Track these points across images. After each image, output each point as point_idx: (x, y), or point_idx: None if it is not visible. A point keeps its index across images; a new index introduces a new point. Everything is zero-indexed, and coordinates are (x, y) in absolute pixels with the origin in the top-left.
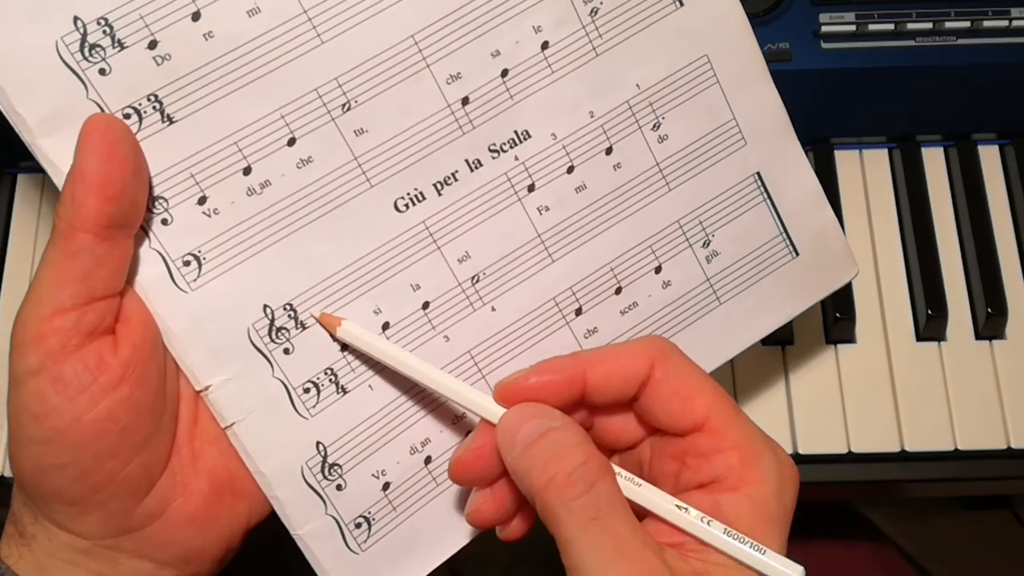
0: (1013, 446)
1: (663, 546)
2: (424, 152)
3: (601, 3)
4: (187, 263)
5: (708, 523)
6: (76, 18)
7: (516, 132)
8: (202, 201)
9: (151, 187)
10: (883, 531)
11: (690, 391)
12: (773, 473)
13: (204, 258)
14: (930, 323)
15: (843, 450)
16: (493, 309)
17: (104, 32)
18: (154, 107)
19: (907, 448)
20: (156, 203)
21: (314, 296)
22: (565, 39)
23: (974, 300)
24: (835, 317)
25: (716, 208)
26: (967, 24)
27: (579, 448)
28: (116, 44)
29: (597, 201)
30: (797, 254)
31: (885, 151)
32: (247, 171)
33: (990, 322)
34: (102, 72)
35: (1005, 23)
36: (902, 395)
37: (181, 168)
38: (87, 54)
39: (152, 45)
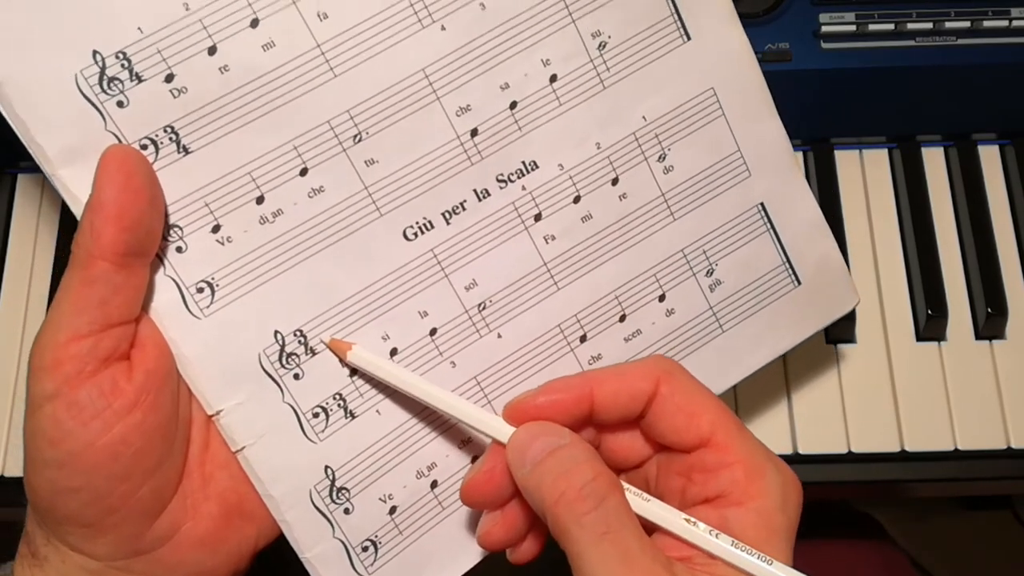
0: (1013, 446)
1: (672, 560)
2: (433, 182)
3: (609, 37)
4: (200, 290)
5: (716, 536)
6: (95, 52)
7: (524, 163)
8: (216, 229)
9: (166, 216)
10: (884, 530)
11: (695, 408)
12: (777, 487)
13: (217, 285)
14: (930, 323)
15: (843, 450)
16: (499, 336)
17: (122, 65)
18: (170, 138)
19: (907, 448)
20: (171, 231)
21: (324, 322)
22: (573, 72)
23: (974, 300)
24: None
25: (720, 238)
26: (967, 24)
27: (588, 464)
28: (134, 77)
29: (603, 231)
30: (799, 283)
31: (885, 151)
32: (260, 200)
33: (990, 322)
34: (120, 104)
35: (1005, 23)
36: (902, 395)
37: (196, 197)
38: (105, 87)
39: (169, 78)
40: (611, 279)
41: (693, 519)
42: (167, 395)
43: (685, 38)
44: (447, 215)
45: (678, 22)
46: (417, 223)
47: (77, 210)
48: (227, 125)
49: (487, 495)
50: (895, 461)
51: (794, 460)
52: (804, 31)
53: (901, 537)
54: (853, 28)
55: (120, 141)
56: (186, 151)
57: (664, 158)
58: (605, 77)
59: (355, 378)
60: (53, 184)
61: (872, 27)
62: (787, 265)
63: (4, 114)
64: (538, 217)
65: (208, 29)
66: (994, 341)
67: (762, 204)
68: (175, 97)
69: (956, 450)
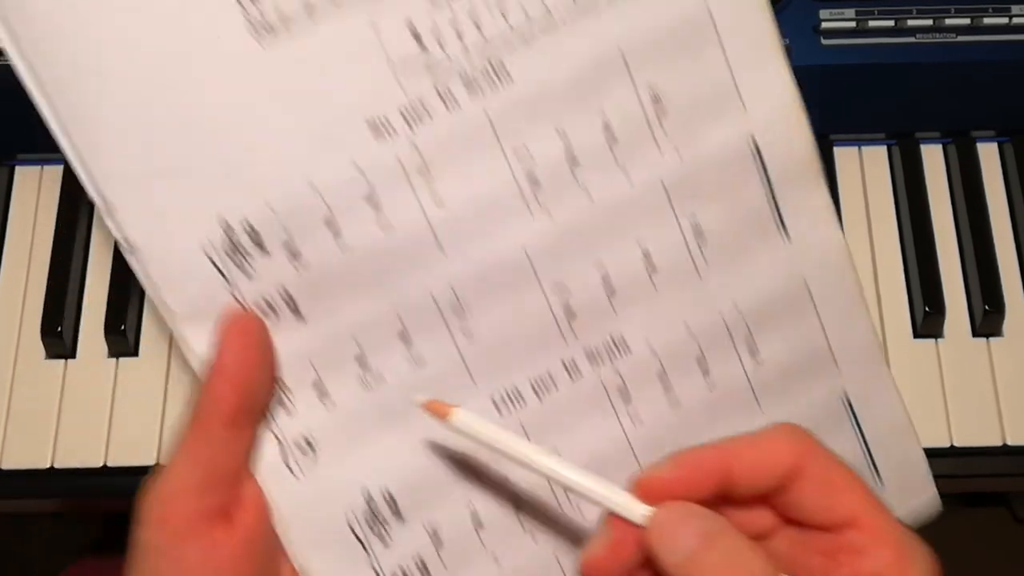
0: (1009, 443)
1: None
2: (527, 356)
3: (711, 232)
4: (301, 448)
5: None
6: (226, 222)
7: (615, 342)
8: (320, 390)
9: (276, 374)
10: None
11: (840, 483)
12: (927, 570)
13: (317, 444)
14: (927, 320)
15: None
16: (583, 515)
17: (249, 236)
18: (286, 302)
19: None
20: (280, 391)
21: (414, 489)
22: (671, 261)
23: (971, 297)
24: None
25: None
26: (967, 21)
27: (754, 554)
28: (259, 247)
29: (689, 416)
30: (881, 483)
31: (884, 148)
32: (364, 364)
33: (987, 319)
34: (244, 271)
35: (1005, 20)
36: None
37: (305, 360)
38: (232, 254)
39: (290, 248)
40: None
41: None
42: (265, 553)
43: (785, 239)
44: (537, 389)
45: (778, 222)
46: (508, 393)
47: (195, 365)
48: (340, 293)
49: (610, 572)
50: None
51: None
52: (804, 27)
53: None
54: (853, 24)
55: (240, 304)
56: (300, 315)
57: (754, 350)
58: (702, 268)
59: (439, 547)
60: (176, 338)
61: (872, 23)
62: (869, 462)
63: (137, 273)
64: (626, 398)
65: (331, 207)
66: (991, 338)
67: (847, 398)
68: (295, 267)
69: (952, 447)
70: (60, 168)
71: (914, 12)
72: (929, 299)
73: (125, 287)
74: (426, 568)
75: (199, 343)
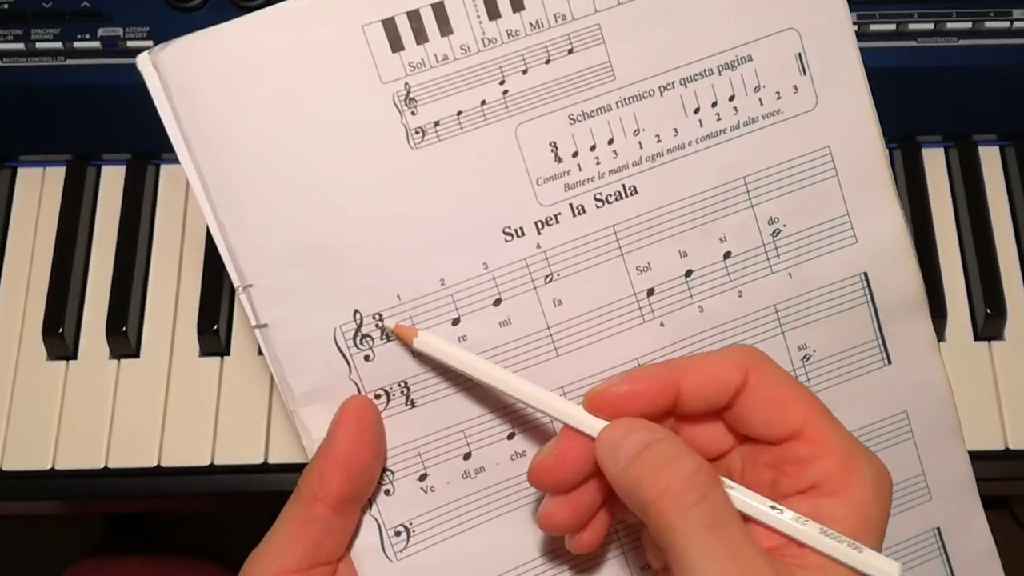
0: (1011, 447)
1: (767, 552)
2: None
3: (816, 354)
4: (398, 533)
5: (804, 523)
6: (356, 311)
7: None
8: (423, 478)
9: (385, 459)
10: None
11: (786, 398)
12: (871, 477)
13: (414, 531)
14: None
15: None
16: None
17: (376, 325)
18: (402, 391)
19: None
20: (384, 475)
21: None
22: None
23: (973, 301)
24: None
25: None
26: (968, 25)
27: (689, 457)
28: (384, 336)
29: None
30: None
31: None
32: (467, 456)
33: (989, 323)
34: (367, 358)
35: (1006, 24)
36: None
37: (412, 446)
38: (358, 342)
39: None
40: None
41: (779, 506)
42: None
43: (886, 361)
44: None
45: (881, 345)
46: None
47: (308, 446)
48: (453, 386)
49: (557, 479)
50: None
51: None
52: None
53: None
54: (855, 28)
55: (359, 389)
56: (413, 404)
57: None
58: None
59: None
60: (293, 419)
61: (874, 27)
62: None
63: (264, 350)
64: None
65: (456, 303)
66: (993, 342)
67: (938, 529)
68: (414, 357)
69: None
70: (62, 170)
71: (915, 16)
72: (931, 303)
73: (126, 289)
74: None
75: (316, 426)
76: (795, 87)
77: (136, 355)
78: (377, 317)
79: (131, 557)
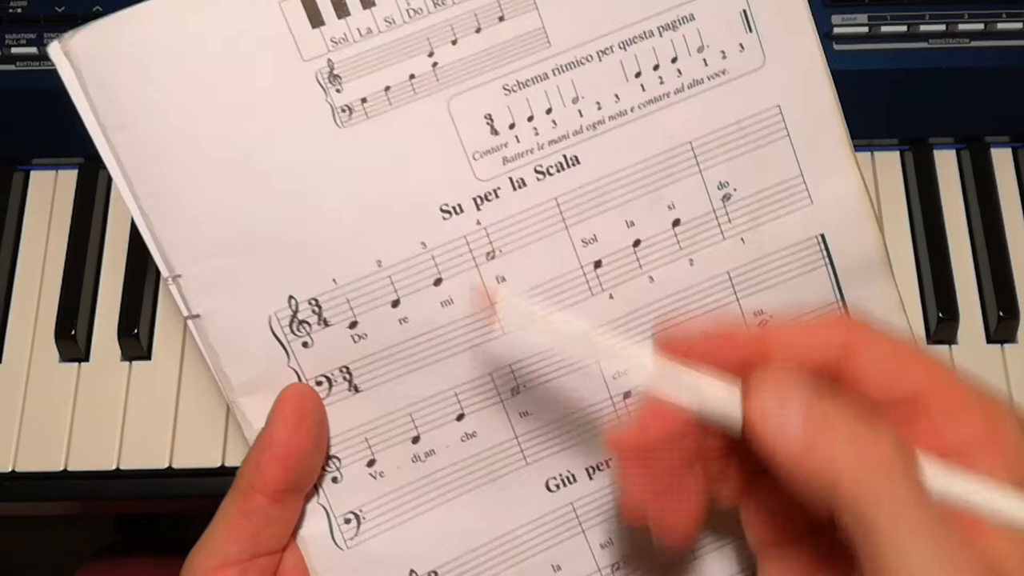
0: None
1: None
2: (581, 438)
3: (771, 317)
4: (348, 520)
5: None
6: (291, 297)
7: None
8: (371, 464)
9: (328, 447)
10: None
11: (904, 355)
12: (1016, 428)
13: (364, 517)
14: (941, 326)
15: None
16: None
17: (313, 311)
18: (344, 377)
19: None
20: (330, 462)
21: (460, 566)
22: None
23: (985, 303)
24: None
25: None
26: (980, 26)
27: (886, 429)
28: (321, 322)
29: None
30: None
31: (897, 153)
32: (416, 440)
33: (1002, 326)
34: (305, 344)
35: (1019, 25)
36: None
37: (358, 432)
38: (295, 328)
39: (352, 325)
40: None
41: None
42: None
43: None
44: (591, 471)
45: (843, 311)
46: (561, 475)
47: (249, 436)
48: (397, 369)
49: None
50: None
51: None
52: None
53: None
54: (865, 30)
55: (299, 377)
56: (356, 390)
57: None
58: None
59: None
60: (232, 409)
61: (885, 29)
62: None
63: (198, 342)
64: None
65: (395, 284)
66: (1005, 345)
67: (822, 236)
68: (355, 342)
69: None
70: (75, 172)
71: (927, 17)
72: (943, 305)
73: (139, 291)
74: None
75: (256, 416)
76: (741, 45)
77: (148, 357)
78: (313, 303)
79: (142, 558)
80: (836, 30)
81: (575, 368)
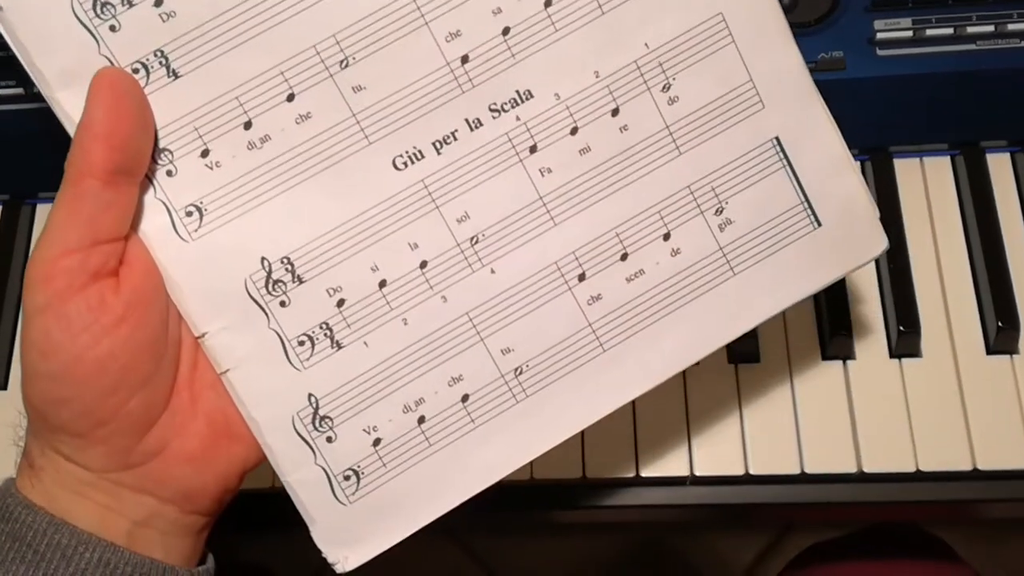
0: None
1: None
2: (423, 110)
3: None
4: (189, 213)
5: None
6: None
7: (518, 92)
8: (205, 154)
9: (157, 139)
10: (958, 555)
11: None
12: None
13: (206, 209)
14: (1000, 335)
15: (911, 468)
16: (492, 271)
17: None
18: (160, 62)
19: (979, 466)
20: (162, 155)
21: (312, 251)
22: None
23: None
24: (900, 330)
25: (730, 174)
26: None
27: None
28: (125, 1)
29: (602, 164)
30: (819, 224)
31: (947, 158)
32: (248, 125)
33: None
34: (112, 28)
35: None
36: (972, 411)
37: (185, 122)
38: (99, 11)
39: (158, 2)
40: (611, 215)
41: None
42: (154, 313)
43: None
44: (438, 145)
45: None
46: (407, 152)
47: (71, 130)
48: (215, 50)
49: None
50: (966, 480)
51: (859, 479)
52: (859, 39)
53: (975, 560)
54: (910, 34)
55: (112, 63)
56: (176, 75)
57: (668, 88)
58: (603, 1)
59: (343, 309)
60: (51, 106)
61: (930, 32)
62: (806, 204)
63: (7, 38)
64: (533, 149)
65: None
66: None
67: (777, 138)
68: (164, 21)
69: (1023, 469)
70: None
71: (974, 19)
72: (1002, 314)
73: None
74: (331, 330)
75: (75, 109)
76: None
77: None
78: None
79: None
80: (880, 35)
81: (404, 34)
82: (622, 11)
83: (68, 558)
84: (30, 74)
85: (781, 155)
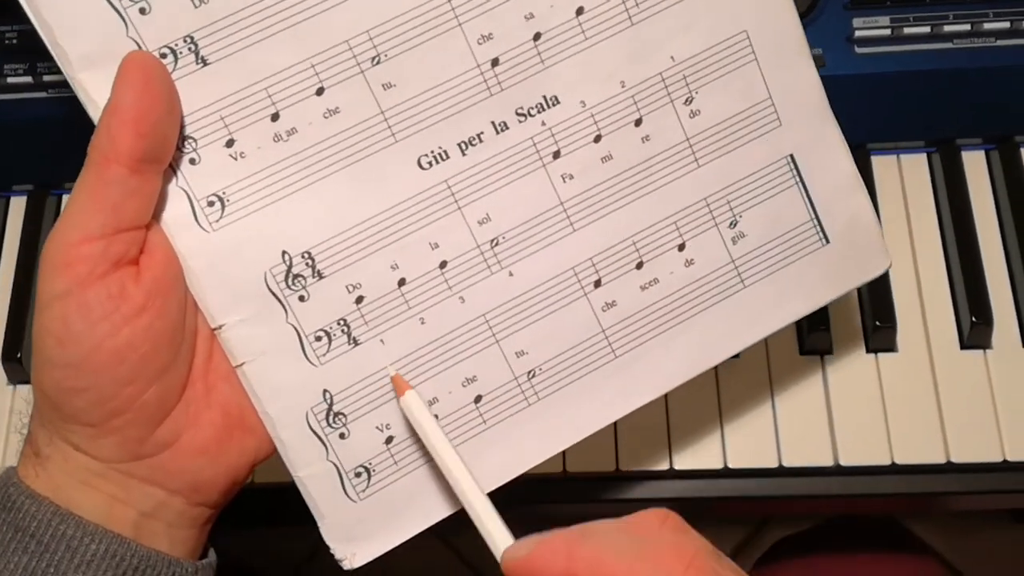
0: None
1: None
2: (451, 111)
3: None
4: (211, 203)
5: None
6: None
7: (545, 97)
8: (230, 144)
9: (182, 127)
10: (928, 545)
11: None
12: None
13: (228, 200)
14: (974, 330)
15: (886, 461)
16: (511, 274)
17: None
18: (189, 48)
19: (953, 459)
20: (186, 143)
21: (333, 246)
22: (601, 5)
23: (1020, 306)
24: (875, 325)
25: (745, 188)
26: (1007, 25)
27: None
28: None
29: (623, 172)
30: (828, 241)
31: (924, 155)
32: (275, 117)
33: None
34: (142, 11)
35: None
36: (947, 405)
37: (212, 110)
38: None
39: None
40: (629, 224)
41: None
42: (174, 303)
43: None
44: (463, 146)
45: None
46: (432, 152)
47: (94, 114)
48: (245, 39)
49: None
50: (941, 472)
51: (835, 472)
52: (837, 36)
53: (948, 551)
54: (888, 32)
55: (140, 47)
56: (204, 63)
57: (691, 101)
58: (634, 13)
59: (361, 306)
60: (73, 87)
61: (908, 30)
62: (815, 221)
63: (31, 18)
64: (556, 155)
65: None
66: None
67: (791, 156)
68: (196, 7)
69: (1004, 461)
70: (23, 199)
71: (951, 17)
72: (976, 309)
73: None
74: (348, 326)
75: (99, 93)
76: None
77: None
78: None
79: None
80: (858, 33)
81: (437, 34)
82: (651, 23)
83: (74, 549)
84: (52, 54)
85: (795, 172)
